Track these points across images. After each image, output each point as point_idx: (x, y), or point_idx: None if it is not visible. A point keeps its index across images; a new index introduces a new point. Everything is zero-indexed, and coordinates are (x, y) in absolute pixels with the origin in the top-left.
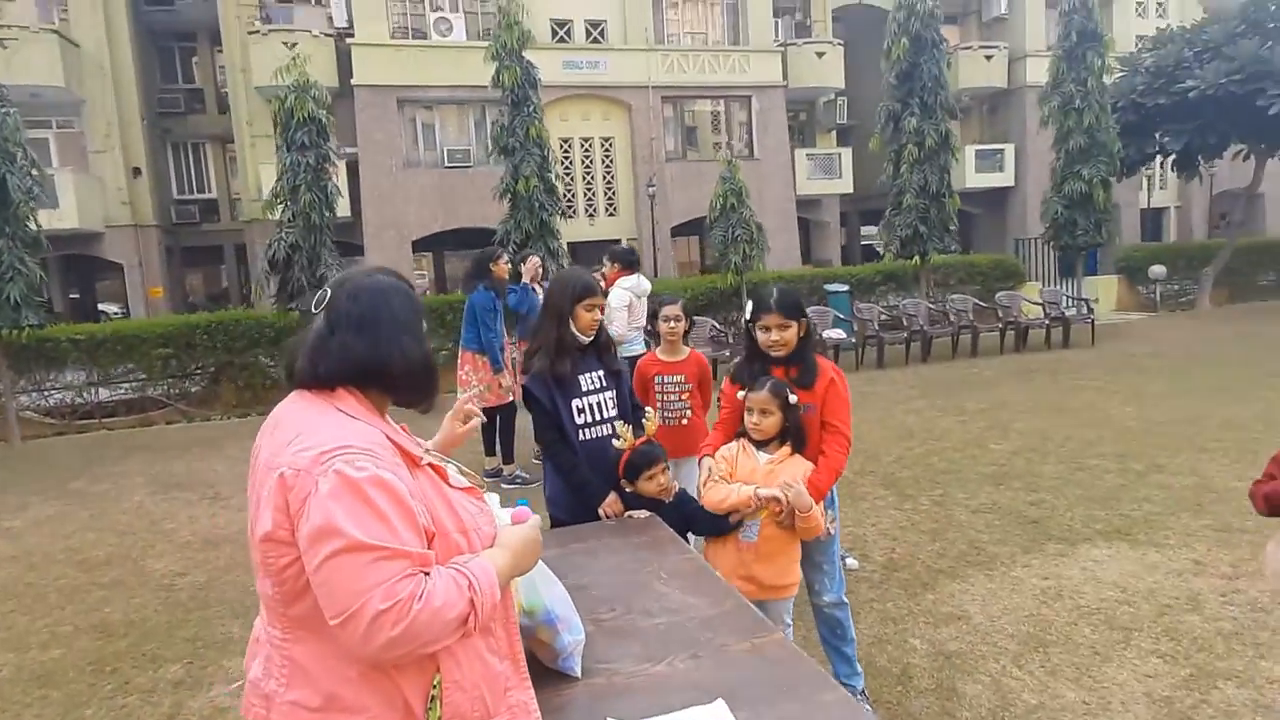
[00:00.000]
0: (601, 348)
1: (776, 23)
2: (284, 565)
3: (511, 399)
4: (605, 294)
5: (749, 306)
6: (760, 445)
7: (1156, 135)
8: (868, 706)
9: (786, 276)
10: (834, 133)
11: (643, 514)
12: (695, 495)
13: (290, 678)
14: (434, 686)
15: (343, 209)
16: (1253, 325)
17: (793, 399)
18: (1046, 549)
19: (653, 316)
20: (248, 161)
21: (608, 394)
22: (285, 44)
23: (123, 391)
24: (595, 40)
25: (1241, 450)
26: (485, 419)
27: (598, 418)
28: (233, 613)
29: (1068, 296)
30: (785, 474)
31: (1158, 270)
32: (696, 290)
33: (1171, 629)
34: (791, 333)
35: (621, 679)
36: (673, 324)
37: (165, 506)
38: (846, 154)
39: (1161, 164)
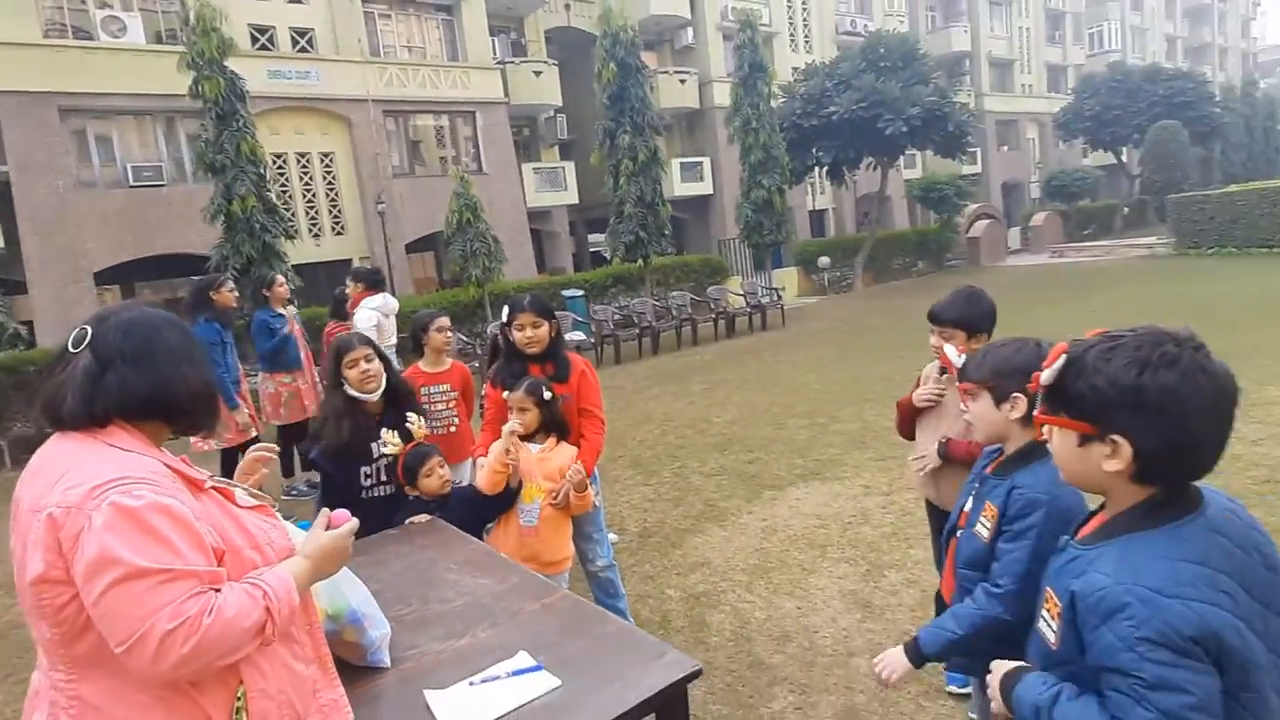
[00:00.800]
0: (399, 400)
1: (493, 41)
2: (61, 605)
3: (254, 433)
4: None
5: (505, 311)
6: (528, 439)
7: (813, 150)
8: None
9: (525, 286)
10: (556, 147)
11: (422, 518)
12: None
13: (79, 717)
14: (238, 699)
15: None
16: (892, 299)
17: (548, 395)
18: (763, 496)
19: (421, 330)
20: None
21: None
22: None
23: None
24: (303, 49)
25: (891, 398)
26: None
27: (384, 479)
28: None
29: (762, 287)
30: (555, 461)
31: (824, 261)
32: (440, 304)
33: (853, 539)
34: (544, 330)
35: (430, 658)
36: (448, 334)
37: None
38: (570, 167)
39: (819, 173)
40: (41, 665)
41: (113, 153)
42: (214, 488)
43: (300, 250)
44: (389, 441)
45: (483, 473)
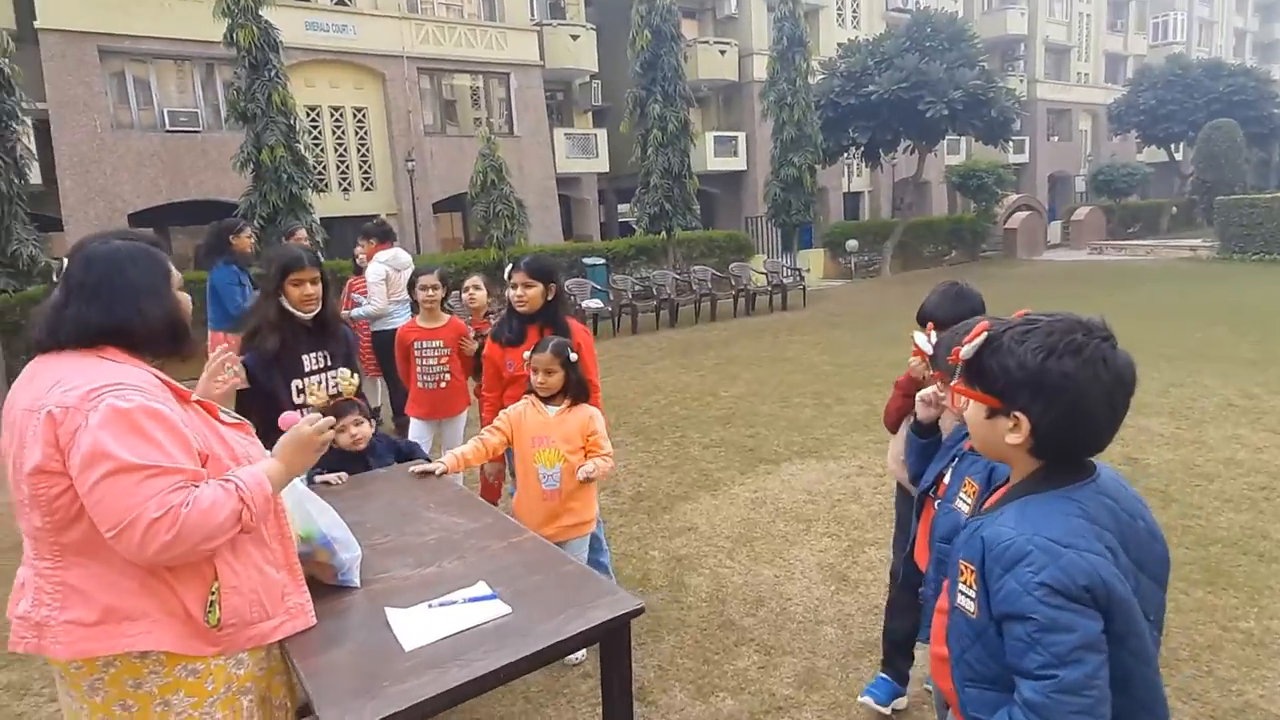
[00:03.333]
0: (327, 328)
1: (532, 2)
2: (55, 495)
3: None
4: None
5: (509, 268)
6: (547, 400)
7: (850, 130)
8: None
9: (548, 250)
10: (590, 114)
11: (338, 476)
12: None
13: (64, 600)
14: (212, 592)
15: (33, 176)
16: (918, 287)
17: (573, 356)
18: (758, 469)
19: (411, 288)
20: None
21: (331, 374)
22: None
23: None
24: (342, 2)
25: None
26: (246, 382)
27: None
28: None
29: (786, 267)
30: (572, 423)
31: (852, 244)
32: (460, 265)
33: (839, 516)
34: (535, 292)
35: (397, 581)
36: (430, 292)
37: None
38: (602, 134)
39: (855, 154)
40: (27, 557)
41: (150, 96)
42: (198, 402)
43: (329, 203)
44: (313, 393)
45: (472, 445)
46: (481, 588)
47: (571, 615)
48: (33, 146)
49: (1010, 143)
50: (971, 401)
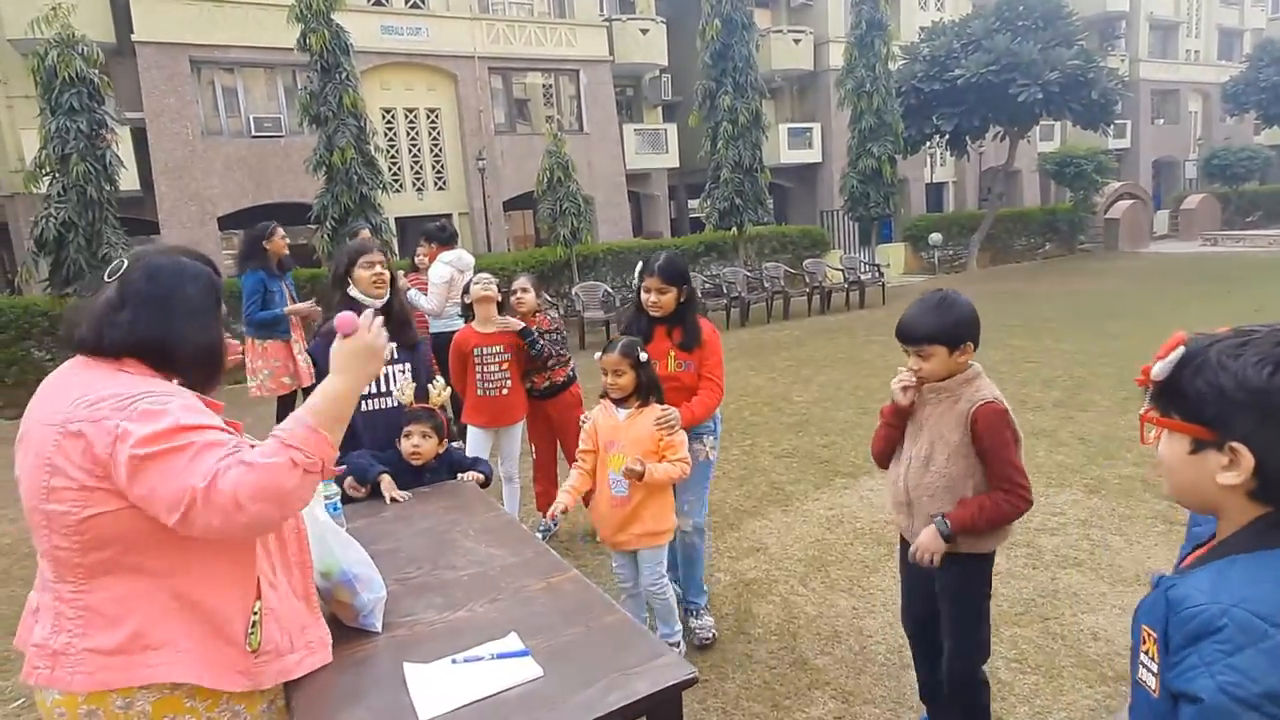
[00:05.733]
0: (397, 321)
1: None
2: (89, 516)
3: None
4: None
5: (639, 269)
6: (620, 402)
7: (933, 118)
8: (710, 619)
9: (616, 248)
10: (660, 108)
11: (404, 495)
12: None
13: (86, 625)
14: (254, 612)
15: (129, 182)
16: (1007, 284)
17: (643, 356)
18: (834, 483)
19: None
20: (3, 126)
21: (398, 366)
22: None
23: None
24: (415, 5)
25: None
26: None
27: (383, 389)
28: (8, 630)
29: (864, 262)
30: (641, 426)
31: (935, 237)
32: (528, 263)
33: None
34: (669, 297)
35: (423, 628)
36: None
37: None
38: (672, 129)
39: (939, 142)
40: (44, 581)
41: (237, 103)
42: (227, 423)
43: (404, 203)
44: (401, 390)
45: (575, 473)
46: (513, 641)
47: (612, 684)
48: (131, 154)
49: (1111, 127)
50: (1166, 435)
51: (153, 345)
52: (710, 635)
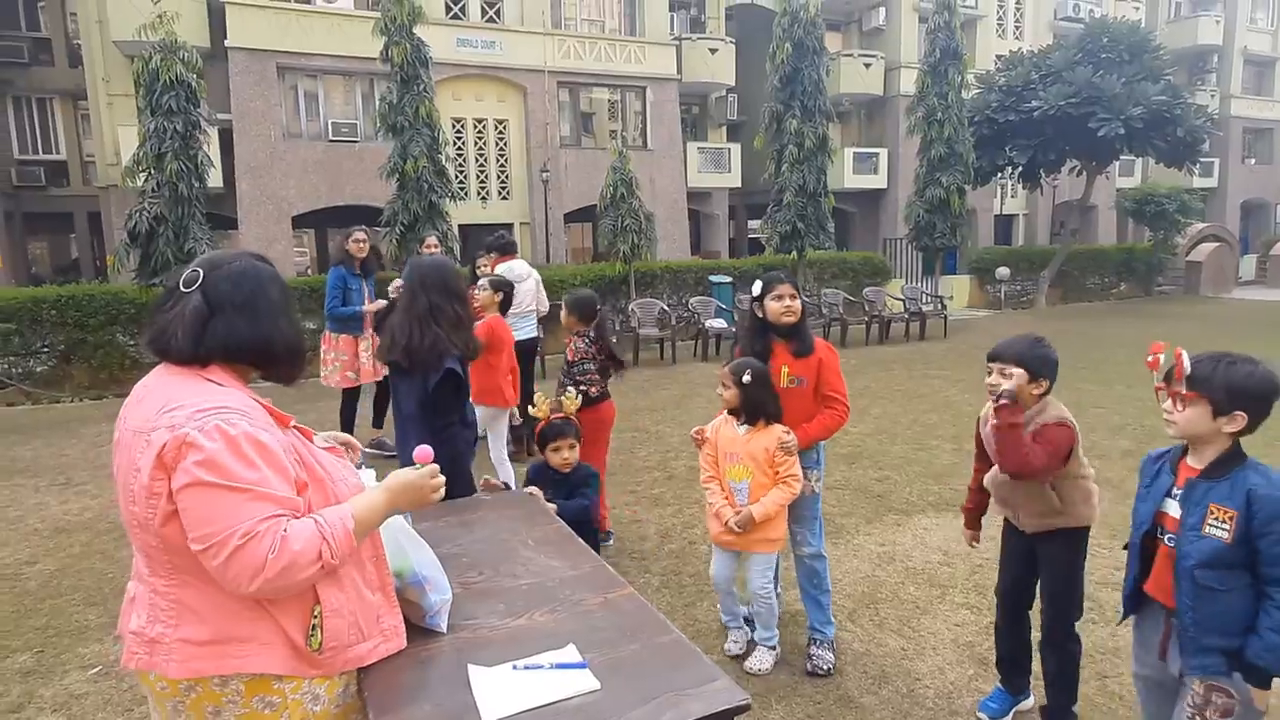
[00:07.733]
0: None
1: (672, 16)
2: (164, 519)
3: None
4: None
5: (758, 285)
6: (738, 417)
7: (1006, 149)
8: (831, 655)
9: (674, 267)
10: (724, 128)
11: (532, 491)
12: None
13: (179, 618)
14: (314, 616)
15: (214, 179)
16: (1078, 323)
17: (746, 379)
18: (886, 519)
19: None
20: (103, 122)
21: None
22: None
23: None
24: (491, 20)
25: None
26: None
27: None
28: (88, 600)
29: (926, 293)
30: (761, 441)
31: (1003, 271)
32: (586, 278)
33: (980, 585)
34: (799, 303)
35: (485, 632)
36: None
37: (8, 494)
38: (735, 149)
39: (1011, 174)
40: (140, 573)
41: (317, 108)
42: (295, 427)
43: (467, 212)
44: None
45: (715, 489)
46: (571, 653)
47: (666, 703)
48: (217, 153)
49: (1197, 165)
50: (1193, 403)
51: (248, 347)
52: (827, 667)
